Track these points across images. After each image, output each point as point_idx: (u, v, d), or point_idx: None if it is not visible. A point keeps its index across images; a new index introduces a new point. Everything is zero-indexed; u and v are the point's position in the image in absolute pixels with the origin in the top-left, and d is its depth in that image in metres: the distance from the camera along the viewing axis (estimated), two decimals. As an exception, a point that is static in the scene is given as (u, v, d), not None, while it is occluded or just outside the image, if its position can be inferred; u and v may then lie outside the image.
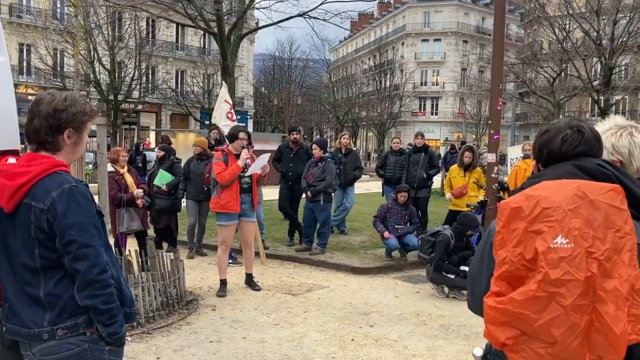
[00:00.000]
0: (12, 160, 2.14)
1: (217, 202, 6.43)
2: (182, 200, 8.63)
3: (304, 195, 8.77)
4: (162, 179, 8.06)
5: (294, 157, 9.08)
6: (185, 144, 24.68)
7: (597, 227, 1.55)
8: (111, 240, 6.33)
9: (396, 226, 8.19)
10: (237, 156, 6.50)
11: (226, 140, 9.14)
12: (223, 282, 6.68)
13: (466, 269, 6.48)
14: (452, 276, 6.66)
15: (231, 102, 8.58)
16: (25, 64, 32.66)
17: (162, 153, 8.52)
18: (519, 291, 1.56)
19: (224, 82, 10.24)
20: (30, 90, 28.26)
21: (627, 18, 20.66)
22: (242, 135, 6.59)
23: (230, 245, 6.88)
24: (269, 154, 7.29)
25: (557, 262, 1.52)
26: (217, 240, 8.65)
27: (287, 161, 9.16)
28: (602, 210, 1.56)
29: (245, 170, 6.52)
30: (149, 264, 5.81)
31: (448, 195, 8.82)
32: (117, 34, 27.41)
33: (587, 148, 1.79)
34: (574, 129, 1.81)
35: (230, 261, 7.82)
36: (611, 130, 1.96)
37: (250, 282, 6.87)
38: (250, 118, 45.45)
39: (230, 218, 6.50)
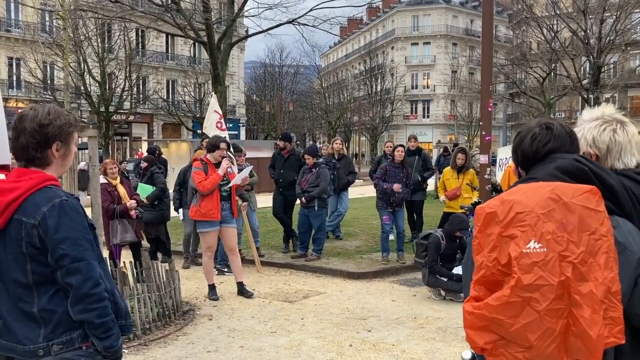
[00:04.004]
0: (1, 176, 2.13)
1: (198, 211, 6.57)
2: (179, 210, 8.59)
3: (298, 202, 8.78)
4: (142, 192, 8.00)
5: (285, 164, 9.13)
6: (178, 154, 24.69)
7: (572, 230, 1.53)
8: (105, 253, 6.32)
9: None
10: (217, 165, 6.62)
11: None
12: (212, 287, 6.83)
13: (459, 271, 6.50)
14: (446, 279, 6.67)
15: (221, 112, 8.59)
16: (14, 77, 32.54)
17: (145, 164, 8.47)
18: (494, 296, 1.56)
19: (213, 93, 10.25)
20: (20, 104, 28.14)
21: (614, 17, 20.83)
22: (222, 145, 6.73)
23: (214, 250, 7.04)
24: (251, 166, 7.78)
25: (530, 267, 1.51)
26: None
27: (279, 168, 9.22)
28: (576, 213, 1.55)
29: (225, 179, 6.68)
30: (144, 275, 5.78)
31: (442, 197, 8.84)
32: (106, 45, 27.34)
33: (558, 144, 1.78)
34: (542, 127, 1.81)
35: (225, 270, 7.82)
36: (597, 122, 1.92)
37: (242, 290, 6.89)
38: (243, 126, 45.43)
39: (212, 225, 6.63)
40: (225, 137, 8.75)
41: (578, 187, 1.60)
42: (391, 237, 8.66)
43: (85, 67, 25.36)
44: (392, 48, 60.20)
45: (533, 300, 1.50)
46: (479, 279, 1.62)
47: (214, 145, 6.72)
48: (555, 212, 1.55)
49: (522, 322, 1.52)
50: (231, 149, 8.13)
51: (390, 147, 10.46)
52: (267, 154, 20.34)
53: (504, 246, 1.57)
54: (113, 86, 27.75)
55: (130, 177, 9.19)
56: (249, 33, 20.16)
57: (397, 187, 8.11)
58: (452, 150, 12.49)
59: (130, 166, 16.16)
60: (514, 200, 1.61)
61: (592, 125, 1.92)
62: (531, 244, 1.53)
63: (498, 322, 1.55)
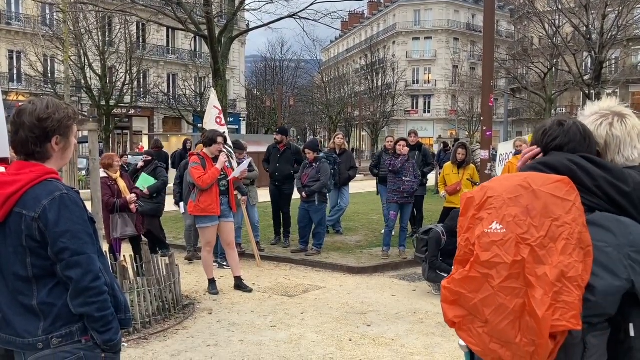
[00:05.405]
0: (1, 169, 2.12)
1: (197, 206, 6.54)
2: (180, 203, 8.60)
3: (296, 196, 8.77)
4: (144, 182, 8.01)
5: (281, 158, 9.14)
6: (179, 148, 24.65)
7: (535, 216, 1.61)
8: (105, 247, 6.33)
9: (404, 178, 8.20)
10: (214, 160, 6.59)
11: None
12: (212, 281, 6.84)
13: None
14: (446, 275, 6.67)
15: (220, 108, 8.58)
16: (15, 71, 32.50)
17: (148, 158, 8.46)
18: (459, 272, 1.69)
19: (212, 89, 10.25)
20: (21, 98, 28.13)
21: (616, 12, 20.76)
22: (220, 139, 6.71)
23: (214, 245, 7.04)
24: (250, 159, 7.66)
25: (488, 245, 1.62)
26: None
27: (274, 161, 9.22)
28: (542, 200, 1.62)
29: (223, 173, 6.65)
30: (144, 269, 5.78)
31: (442, 192, 8.84)
32: (107, 38, 27.29)
33: (567, 140, 1.80)
34: (555, 122, 1.85)
35: (225, 263, 7.83)
36: (594, 117, 1.92)
37: (240, 285, 6.89)
38: (243, 120, 45.37)
39: (211, 220, 6.61)
40: (224, 132, 8.79)
41: (549, 177, 1.68)
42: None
43: (86, 61, 25.32)
44: (394, 43, 60.04)
45: (490, 277, 1.61)
46: (456, 258, 1.75)
47: (211, 139, 6.69)
48: (522, 198, 1.64)
49: (480, 297, 1.62)
50: (229, 143, 8.14)
51: (391, 142, 10.46)
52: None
53: (475, 228, 1.69)
54: (114, 80, 27.72)
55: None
56: (250, 27, 20.11)
57: (402, 147, 8.25)
58: (453, 146, 12.49)
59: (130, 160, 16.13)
60: (489, 187, 1.73)
61: (589, 120, 1.92)
62: (493, 225, 1.64)
63: (461, 296, 1.67)
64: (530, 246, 1.57)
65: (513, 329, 1.58)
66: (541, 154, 1.87)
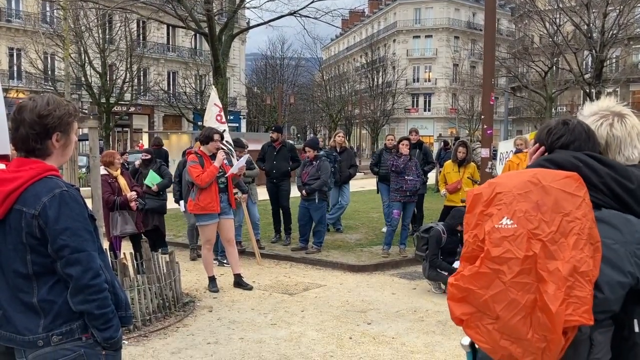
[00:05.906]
0: (1, 166, 2.12)
1: (197, 205, 6.52)
2: (180, 202, 8.61)
3: (296, 194, 8.77)
4: (153, 179, 8.04)
5: (277, 155, 9.15)
6: (179, 146, 24.67)
7: (545, 211, 1.61)
8: (105, 244, 6.32)
9: (406, 177, 8.19)
10: (211, 157, 6.56)
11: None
12: (212, 279, 6.84)
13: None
14: (446, 273, 6.66)
15: (221, 105, 8.57)
16: (15, 68, 32.48)
17: (148, 156, 8.47)
18: (468, 268, 1.67)
19: (213, 87, 10.25)
20: (21, 95, 28.12)
21: (617, 10, 20.72)
22: (216, 137, 6.67)
23: (214, 243, 7.04)
24: (247, 155, 7.67)
25: (499, 241, 1.61)
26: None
27: (271, 159, 9.22)
28: (552, 195, 1.62)
29: (221, 170, 6.64)
30: (144, 266, 5.78)
31: (443, 191, 8.84)
32: (107, 36, 27.27)
33: (572, 139, 1.82)
34: (559, 121, 1.87)
35: (225, 261, 7.84)
36: (594, 117, 1.94)
37: (240, 282, 6.89)
38: (243, 118, 45.34)
39: (211, 217, 6.60)
40: (224, 130, 8.78)
41: (558, 173, 1.69)
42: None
43: (86, 58, 25.32)
44: (394, 41, 59.98)
45: (501, 272, 1.60)
46: (463, 255, 1.73)
47: (207, 137, 6.65)
48: (532, 193, 1.64)
49: (491, 293, 1.61)
50: (228, 140, 8.13)
51: (392, 140, 10.45)
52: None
53: (483, 224, 1.68)
54: (114, 77, 27.71)
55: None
56: (251, 25, 20.10)
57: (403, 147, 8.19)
58: (453, 144, 12.48)
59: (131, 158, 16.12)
60: (497, 183, 1.73)
61: (589, 120, 1.94)
62: (504, 220, 1.63)
63: (471, 292, 1.65)
64: (541, 241, 1.57)
65: (524, 325, 1.57)
66: (546, 153, 1.88)
